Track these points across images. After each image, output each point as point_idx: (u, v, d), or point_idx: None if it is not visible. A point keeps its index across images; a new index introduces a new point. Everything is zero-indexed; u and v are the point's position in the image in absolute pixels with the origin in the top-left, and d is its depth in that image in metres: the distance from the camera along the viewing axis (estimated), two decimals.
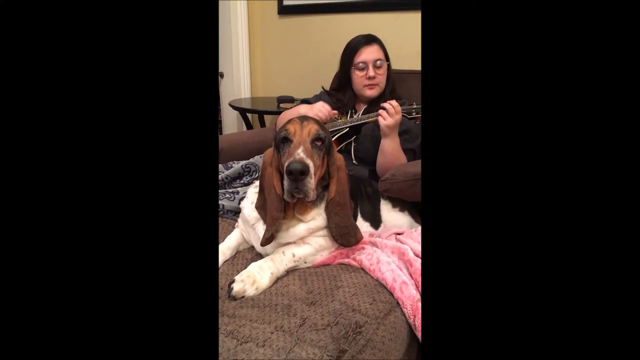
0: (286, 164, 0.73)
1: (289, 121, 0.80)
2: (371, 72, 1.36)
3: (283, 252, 0.81)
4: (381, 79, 1.38)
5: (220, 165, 1.20)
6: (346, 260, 0.87)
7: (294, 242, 0.83)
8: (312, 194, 0.74)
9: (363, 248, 0.89)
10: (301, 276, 0.80)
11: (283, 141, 0.79)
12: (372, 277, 0.80)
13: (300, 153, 0.73)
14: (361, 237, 0.84)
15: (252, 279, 0.74)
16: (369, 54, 1.37)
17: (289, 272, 0.82)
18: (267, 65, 2.27)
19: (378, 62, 1.36)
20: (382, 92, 1.41)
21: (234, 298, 0.72)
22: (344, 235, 0.82)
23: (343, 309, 0.68)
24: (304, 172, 0.71)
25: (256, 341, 0.60)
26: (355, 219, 0.97)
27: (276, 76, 2.26)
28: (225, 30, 2.17)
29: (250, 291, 0.73)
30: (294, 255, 0.81)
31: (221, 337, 0.62)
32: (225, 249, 0.88)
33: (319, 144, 0.78)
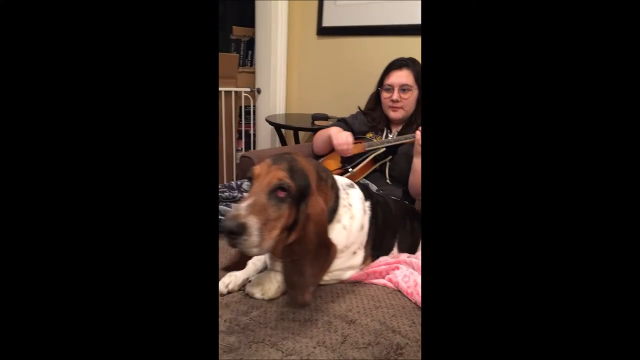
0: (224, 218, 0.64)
1: (264, 160, 0.74)
2: (395, 96, 1.41)
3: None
4: (406, 103, 1.41)
5: None
6: (382, 282, 0.88)
7: None
8: (255, 252, 0.65)
9: (398, 268, 0.90)
10: (339, 294, 0.82)
11: (249, 180, 0.72)
12: (410, 300, 0.80)
13: (241, 209, 0.64)
14: (310, 300, 0.71)
15: (262, 286, 0.80)
16: (397, 77, 1.41)
17: (327, 288, 0.84)
18: (302, 83, 2.34)
19: (404, 87, 1.40)
20: (410, 116, 1.44)
21: (247, 295, 0.79)
22: (291, 287, 0.72)
23: (383, 329, 0.69)
24: (236, 232, 0.61)
25: (300, 354, 0.62)
26: (388, 251, 0.97)
27: (311, 94, 2.32)
28: (265, 48, 2.26)
29: (258, 295, 0.79)
30: None
31: (266, 348, 0.64)
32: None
33: (281, 194, 0.68)
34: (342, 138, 1.39)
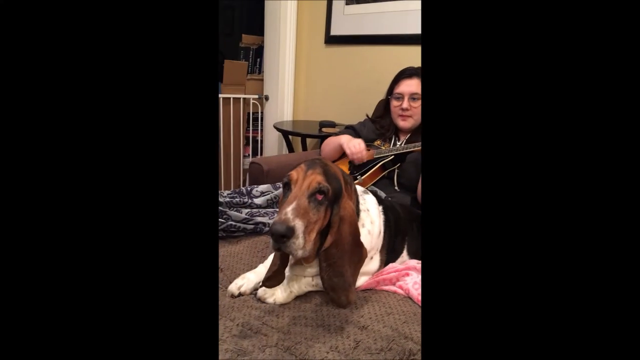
0: (272, 222, 0.67)
1: (298, 165, 0.76)
2: (405, 104, 1.42)
3: (304, 275, 0.83)
4: (415, 111, 1.43)
5: (269, 185, 1.26)
6: (392, 289, 0.88)
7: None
8: (300, 253, 0.67)
9: (408, 274, 0.90)
10: None
11: (285, 186, 0.74)
12: (421, 307, 0.81)
13: (288, 212, 0.66)
14: (353, 300, 0.75)
15: (273, 291, 0.80)
16: (407, 86, 1.43)
17: None
18: (310, 90, 2.36)
19: (414, 95, 1.41)
20: (419, 124, 1.45)
21: (259, 300, 0.80)
22: (333, 290, 0.73)
23: (395, 336, 0.70)
24: (285, 235, 0.64)
25: (314, 359, 0.63)
26: (399, 254, 0.98)
27: (318, 101, 2.34)
28: (273, 55, 2.29)
29: (270, 300, 0.80)
30: (312, 280, 0.84)
31: (280, 352, 0.64)
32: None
33: (319, 197, 0.71)
34: (356, 146, 1.39)
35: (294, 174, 0.74)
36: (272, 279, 0.79)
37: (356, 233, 0.76)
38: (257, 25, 2.55)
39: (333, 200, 0.74)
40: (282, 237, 0.65)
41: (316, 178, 0.71)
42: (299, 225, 0.66)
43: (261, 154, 2.55)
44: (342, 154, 1.54)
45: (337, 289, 0.73)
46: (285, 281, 0.82)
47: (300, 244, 0.66)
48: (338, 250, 0.74)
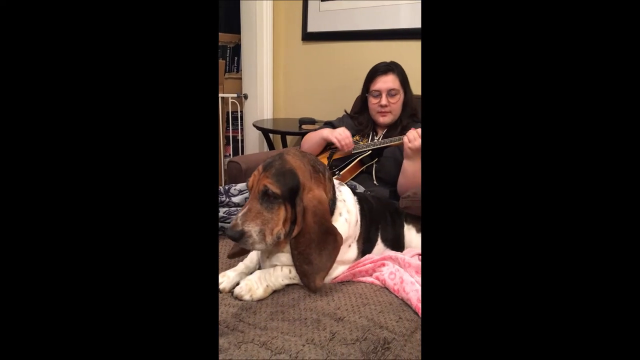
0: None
1: (257, 167, 0.82)
2: (383, 101, 1.43)
3: (281, 268, 0.84)
4: (394, 107, 1.44)
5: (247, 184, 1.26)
6: (369, 280, 0.89)
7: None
8: (258, 247, 0.77)
9: (384, 264, 0.91)
10: (327, 293, 0.83)
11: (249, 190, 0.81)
12: (397, 297, 0.82)
13: (238, 218, 0.76)
14: (320, 285, 0.81)
15: (249, 287, 0.81)
16: (383, 83, 1.43)
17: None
18: (289, 88, 2.36)
19: (392, 91, 1.42)
20: (397, 119, 1.46)
21: (236, 298, 0.81)
22: (304, 276, 0.80)
23: (370, 325, 0.71)
24: (235, 238, 0.75)
25: (289, 353, 0.63)
26: (374, 243, 1.00)
27: (298, 99, 2.34)
28: (251, 54, 2.28)
29: (247, 297, 0.80)
30: (290, 272, 0.85)
31: (255, 348, 0.65)
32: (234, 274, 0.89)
33: (270, 197, 0.77)
34: (342, 134, 1.39)
35: (250, 179, 0.81)
36: (238, 253, 0.86)
37: (323, 222, 0.80)
38: (233, 24, 2.53)
39: (289, 196, 0.79)
40: (235, 240, 0.76)
41: (264, 181, 0.78)
42: (249, 227, 0.75)
43: (242, 153, 2.53)
44: (322, 150, 1.54)
45: (307, 275, 0.79)
46: (260, 276, 0.83)
47: (256, 240, 0.76)
48: (305, 239, 0.79)
